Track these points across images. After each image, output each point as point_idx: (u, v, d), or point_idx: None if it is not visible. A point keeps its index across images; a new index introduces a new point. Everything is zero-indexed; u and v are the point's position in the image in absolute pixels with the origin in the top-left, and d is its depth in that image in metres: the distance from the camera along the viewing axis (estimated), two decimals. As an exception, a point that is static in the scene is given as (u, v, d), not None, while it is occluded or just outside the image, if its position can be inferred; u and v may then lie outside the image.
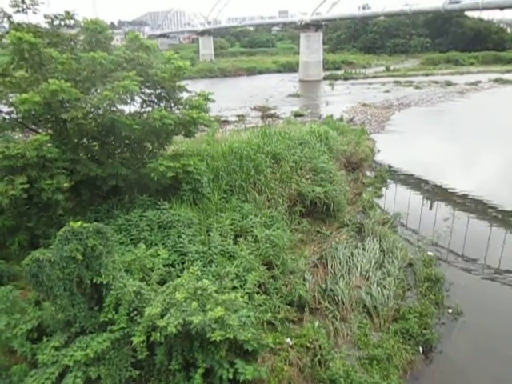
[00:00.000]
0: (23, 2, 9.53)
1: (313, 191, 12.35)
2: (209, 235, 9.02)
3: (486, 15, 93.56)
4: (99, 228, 6.21)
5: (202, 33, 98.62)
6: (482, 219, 14.33)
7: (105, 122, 9.04)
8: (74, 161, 9.07)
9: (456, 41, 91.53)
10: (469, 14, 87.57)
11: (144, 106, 10.41)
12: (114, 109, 9.19)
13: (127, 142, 10.21)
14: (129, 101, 9.49)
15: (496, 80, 52.34)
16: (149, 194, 9.94)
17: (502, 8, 49.29)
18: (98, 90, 9.02)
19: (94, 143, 10.13)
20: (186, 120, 9.87)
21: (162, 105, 10.40)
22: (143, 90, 10.16)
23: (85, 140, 10.00)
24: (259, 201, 11.33)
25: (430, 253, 11.41)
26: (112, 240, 6.54)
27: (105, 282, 6.05)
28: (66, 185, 8.47)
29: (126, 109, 9.75)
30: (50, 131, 9.64)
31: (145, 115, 9.87)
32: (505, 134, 25.37)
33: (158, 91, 10.33)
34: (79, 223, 6.02)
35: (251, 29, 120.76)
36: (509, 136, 25.00)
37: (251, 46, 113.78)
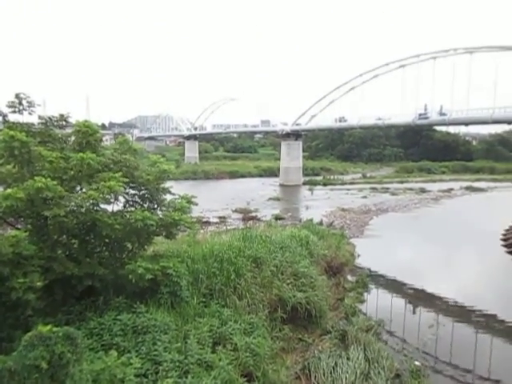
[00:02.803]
0: (20, 103, 9.98)
1: (294, 296, 12.08)
2: (186, 342, 8.52)
3: (453, 129, 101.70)
4: (69, 333, 5.84)
5: (188, 137, 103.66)
6: (466, 325, 14.13)
7: (86, 220, 8.99)
8: (51, 258, 8.78)
9: (427, 151, 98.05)
10: (437, 127, 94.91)
11: (127, 206, 10.46)
12: (97, 208, 9.21)
13: (107, 240, 10.04)
14: (112, 200, 9.56)
15: (467, 188, 55.52)
16: (125, 296, 9.53)
17: (466, 124, 53.73)
18: (84, 189, 9.10)
19: (74, 241, 9.93)
20: (167, 222, 9.87)
21: (145, 205, 10.47)
22: (127, 191, 10.28)
23: (64, 237, 9.82)
24: (239, 306, 10.95)
25: (416, 362, 10.93)
26: (82, 346, 6.12)
27: (69, 395, 5.53)
28: (38, 284, 8.09)
29: (109, 208, 9.77)
30: (29, 226, 9.49)
31: (127, 215, 9.86)
32: (481, 239, 26.10)
33: (142, 192, 10.46)
34: (48, 327, 5.66)
35: (235, 135, 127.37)
36: (485, 241, 25.70)
37: (234, 151, 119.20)
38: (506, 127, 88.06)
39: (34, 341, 5.46)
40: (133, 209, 10.33)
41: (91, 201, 8.52)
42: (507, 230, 27.42)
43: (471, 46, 47.47)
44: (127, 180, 9.42)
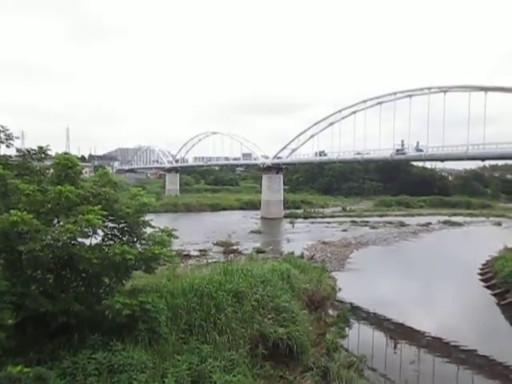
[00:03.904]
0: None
1: (275, 332, 11.88)
2: (163, 382, 8.26)
3: (429, 164, 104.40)
4: (41, 373, 5.64)
5: (169, 170, 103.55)
6: (447, 360, 14.02)
7: (63, 254, 8.79)
8: (24, 294, 8.50)
9: (405, 186, 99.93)
10: (414, 163, 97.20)
11: (106, 239, 10.28)
12: (75, 242, 9.02)
13: (84, 275, 9.80)
14: (90, 234, 9.40)
15: (445, 222, 56.53)
16: (101, 333, 9.21)
17: (442, 160, 55.12)
18: (61, 223, 8.94)
19: (49, 276, 9.66)
20: (147, 256, 9.73)
21: (124, 239, 10.31)
22: (106, 224, 10.13)
23: (39, 272, 9.54)
24: (219, 342, 10.71)
25: (399, 401, 10.80)
26: (54, 387, 5.87)
27: None
28: (10, 321, 7.77)
29: (87, 241, 9.58)
30: (1, 261, 9.20)
31: (106, 249, 9.68)
32: (459, 273, 26.46)
33: (121, 225, 10.32)
34: (18, 367, 5.43)
35: (216, 168, 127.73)
36: (463, 275, 26.02)
37: (216, 184, 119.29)
38: (479, 163, 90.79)
39: (3, 382, 5.22)
40: (112, 242, 10.15)
41: (68, 234, 8.36)
42: (484, 265, 27.79)
43: (445, 84, 49.30)
44: (106, 213, 9.32)
